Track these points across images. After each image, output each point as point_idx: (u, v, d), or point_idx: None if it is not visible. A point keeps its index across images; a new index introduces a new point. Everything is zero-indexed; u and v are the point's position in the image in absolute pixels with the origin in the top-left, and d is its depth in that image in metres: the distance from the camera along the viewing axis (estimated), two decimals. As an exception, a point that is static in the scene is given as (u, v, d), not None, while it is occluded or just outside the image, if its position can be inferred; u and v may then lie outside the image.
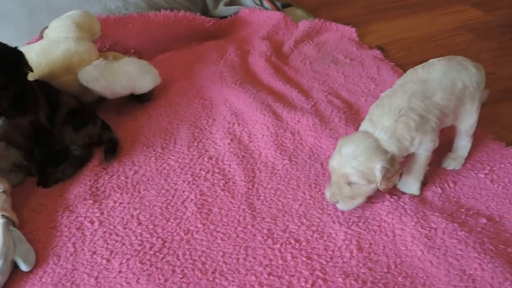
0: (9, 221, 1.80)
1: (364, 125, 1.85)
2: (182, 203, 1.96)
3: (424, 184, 1.94)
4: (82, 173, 2.13)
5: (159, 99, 2.62)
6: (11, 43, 2.01)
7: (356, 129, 1.89)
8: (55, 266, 1.73)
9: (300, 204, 1.91)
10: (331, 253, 1.70)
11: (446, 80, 1.87)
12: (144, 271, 1.68)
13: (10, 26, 2.92)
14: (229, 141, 2.25)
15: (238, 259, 1.71)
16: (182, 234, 1.82)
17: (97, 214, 1.92)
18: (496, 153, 2.06)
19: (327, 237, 1.77)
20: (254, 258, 1.71)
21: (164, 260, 1.72)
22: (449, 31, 3.22)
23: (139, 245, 1.79)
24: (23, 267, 1.70)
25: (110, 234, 1.84)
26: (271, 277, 1.63)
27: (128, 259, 1.73)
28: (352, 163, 1.72)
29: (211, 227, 1.84)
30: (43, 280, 1.68)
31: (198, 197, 1.98)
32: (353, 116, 2.35)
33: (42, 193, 2.05)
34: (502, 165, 2.01)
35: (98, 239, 1.82)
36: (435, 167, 2.01)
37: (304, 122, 2.30)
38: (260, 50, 3.03)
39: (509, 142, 2.14)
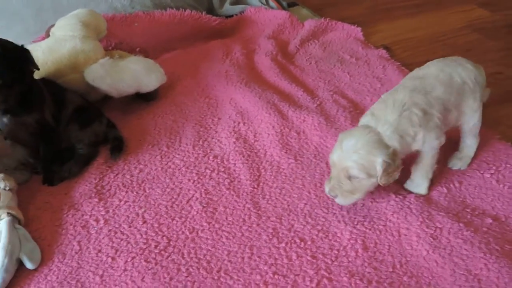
0: (14, 219, 1.81)
1: (365, 120, 1.84)
2: (187, 201, 1.96)
3: (429, 184, 1.93)
4: (87, 171, 2.14)
5: (164, 98, 2.62)
6: (18, 41, 2.02)
7: (361, 128, 1.89)
8: (60, 264, 1.73)
9: (305, 203, 1.90)
10: (336, 252, 1.70)
11: (443, 74, 1.89)
12: (149, 269, 1.69)
13: (17, 25, 2.93)
14: (234, 140, 2.25)
15: (243, 258, 1.71)
16: (187, 233, 1.82)
17: (103, 213, 1.92)
18: (502, 153, 2.05)
19: (332, 236, 1.76)
20: (259, 257, 1.71)
21: (169, 258, 1.72)
22: (456, 31, 3.21)
23: (144, 243, 1.79)
24: (29, 265, 1.70)
25: (115, 233, 1.84)
26: (276, 276, 1.63)
27: (133, 258, 1.73)
28: (352, 157, 1.71)
29: (216, 226, 1.84)
30: (48, 278, 1.68)
31: (203, 196, 1.98)
32: (359, 116, 2.31)
33: (47, 191, 2.05)
34: (508, 165, 2.00)
35: (103, 237, 1.82)
36: (441, 167, 2.00)
37: (309, 121, 2.30)
38: (265, 49, 3.03)
39: (515, 142, 2.13)
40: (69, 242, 1.81)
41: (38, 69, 2.06)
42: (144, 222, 1.88)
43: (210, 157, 2.17)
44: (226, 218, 1.87)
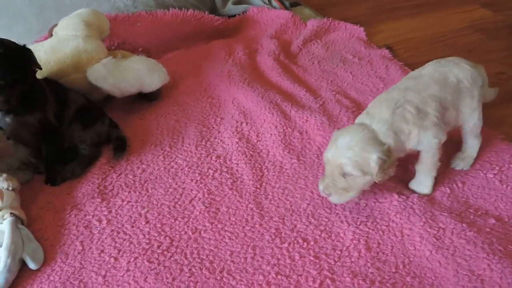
0: (17, 219, 1.80)
1: (360, 118, 1.85)
2: (190, 202, 1.96)
3: (434, 183, 1.93)
4: (90, 171, 2.14)
5: (167, 98, 2.62)
6: (20, 41, 2.02)
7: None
8: (63, 264, 1.73)
9: (308, 204, 1.90)
10: (339, 252, 1.70)
11: (438, 74, 1.89)
12: (151, 269, 1.68)
13: (19, 24, 2.93)
14: (237, 140, 2.25)
15: (246, 258, 1.71)
16: (190, 233, 1.82)
17: (105, 213, 1.92)
18: (505, 153, 2.05)
19: (335, 236, 1.76)
20: (262, 257, 1.70)
21: (172, 259, 1.72)
22: (458, 31, 3.21)
23: (147, 243, 1.79)
24: (31, 265, 1.70)
25: (118, 233, 1.84)
26: (279, 277, 1.63)
27: (136, 258, 1.73)
28: (347, 154, 1.72)
29: (219, 226, 1.84)
30: (51, 278, 1.68)
31: (206, 196, 1.98)
32: (362, 116, 2.34)
33: (50, 191, 2.05)
34: (511, 165, 2.00)
35: (106, 238, 1.82)
36: (444, 167, 2.00)
37: (312, 121, 2.30)
38: (268, 49, 3.02)
39: (518, 142, 2.13)
40: (72, 242, 1.81)
41: (41, 69, 2.06)
42: (147, 222, 1.88)
43: (213, 157, 2.17)
44: (229, 218, 1.87)
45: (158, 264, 1.70)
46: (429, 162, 1.86)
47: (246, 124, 2.36)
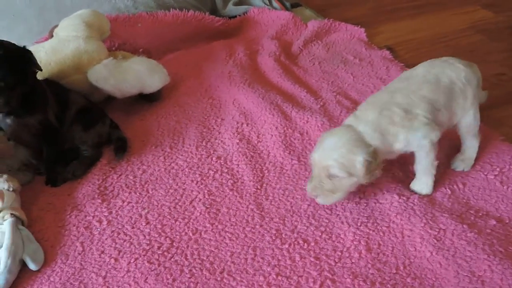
0: (18, 220, 1.81)
1: (348, 120, 1.85)
2: (191, 202, 1.96)
3: (433, 181, 1.93)
4: (90, 172, 2.14)
5: (167, 99, 2.62)
6: (21, 42, 2.02)
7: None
8: (64, 265, 1.73)
9: (309, 205, 1.90)
10: (339, 253, 1.70)
11: (430, 75, 1.88)
12: (152, 270, 1.68)
13: (20, 25, 2.93)
14: (237, 141, 2.25)
15: (246, 259, 1.71)
16: (190, 234, 1.82)
17: (106, 213, 1.92)
18: (506, 155, 2.05)
19: (336, 237, 1.76)
20: (262, 258, 1.70)
21: (172, 259, 1.72)
22: (459, 32, 3.21)
23: (147, 244, 1.79)
24: (32, 266, 1.70)
25: (118, 234, 1.84)
26: (280, 278, 1.63)
27: (136, 259, 1.73)
28: (333, 155, 1.72)
29: (220, 227, 1.84)
30: (51, 279, 1.68)
31: (207, 197, 1.98)
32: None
33: (50, 192, 2.05)
34: (512, 167, 2.00)
35: (106, 239, 1.82)
36: (445, 168, 2.01)
37: (313, 122, 2.30)
38: (269, 50, 3.02)
39: (519, 143, 2.13)
40: (72, 243, 1.81)
41: (41, 70, 2.06)
42: (147, 223, 1.88)
43: (214, 158, 2.17)
44: (229, 219, 1.87)
45: (159, 265, 1.70)
46: (424, 162, 1.86)
47: (247, 125, 2.36)
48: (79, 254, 1.77)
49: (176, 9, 3.08)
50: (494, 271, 1.57)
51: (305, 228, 1.80)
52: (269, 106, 2.43)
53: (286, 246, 1.74)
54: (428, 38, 3.16)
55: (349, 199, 1.89)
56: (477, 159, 2.02)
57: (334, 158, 1.71)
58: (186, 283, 1.64)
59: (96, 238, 1.83)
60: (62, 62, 2.35)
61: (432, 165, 1.87)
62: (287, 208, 1.90)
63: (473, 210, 1.82)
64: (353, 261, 1.67)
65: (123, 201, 1.98)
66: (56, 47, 2.38)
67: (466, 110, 1.92)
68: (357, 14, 3.56)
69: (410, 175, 1.96)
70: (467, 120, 1.94)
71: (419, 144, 1.80)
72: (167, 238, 1.80)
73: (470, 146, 2.00)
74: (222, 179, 2.06)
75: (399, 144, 1.79)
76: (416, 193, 1.89)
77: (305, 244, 1.74)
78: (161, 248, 1.77)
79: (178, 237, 1.81)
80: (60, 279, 1.68)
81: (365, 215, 1.83)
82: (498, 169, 1.98)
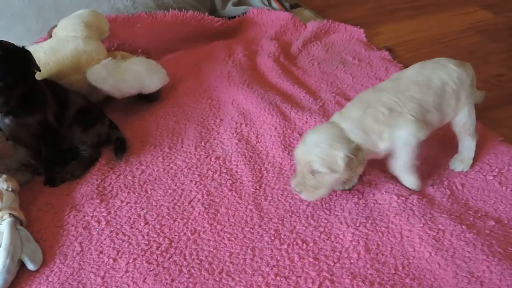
0: (16, 220, 1.80)
1: (333, 117, 1.86)
2: (189, 203, 1.96)
3: (432, 185, 1.93)
4: (89, 172, 2.14)
5: (166, 99, 2.62)
6: (19, 41, 2.01)
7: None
8: (62, 265, 1.73)
9: (308, 205, 1.90)
10: (338, 254, 1.70)
11: (420, 76, 1.87)
12: (151, 270, 1.68)
13: (19, 25, 2.93)
14: (236, 141, 2.25)
15: (245, 259, 1.71)
16: (189, 234, 1.82)
17: (104, 214, 1.92)
18: (505, 155, 2.05)
19: (335, 238, 1.76)
20: (261, 258, 1.70)
21: (171, 260, 1.72)
22: (458, 33, 3.20)
23: (146, 244, 1.78)
24: (30, 266, 1.70)
25: (117, 234, 1.83)
26: (278, 278, 1.63)
27: (135, 259, 1.73)
28: (315, 151, 1.72)
29: (218, 227, 1.84)
30: (50, 279, 1.68)
31: (205, 197, 1.98)
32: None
33: (49, 192, 2.05)
34: (511, 167, 1.99)
35: (105, 239, 1.82)
36: (443, 169, 2.01)
37: (312, 122, 2.30)
38: (268, 50, 3.02)
39: (518, 144, 2.13)
40: (71, 243, 1.81)
41: (40, 71, 2.06)
42: (146, 223, 1.87)
43: (212, 158, 2.17)
44: (228, 220, 1.87)
45: (157, 265, 1.70)
46: (404, 160, 1.84)
47: (246, 125, 2.35)
48: (78, 254, 1.77)
49: (175, 9, 3.08)
50: (493, 272, 1.57)
51: (304, 228, 1.80)
52: (268, 106, 2.43)
53: (285, 246, 1.74)
54: (428, 39, 3.16)
55: (347, 199, 1.90)
56: (476, 159, 2.02)
57: (316, 154, 1.72)
58: (185, 283, 1.64)
59: (95, 238, 1.83)
60: (61, 62, 2.34)
61: (411, 163, 1.85)
62: (286, 209, 1.89)
63: (472, 211, 1.82)
64: (352, 261, 1.67)
65: (122, 201, 1.98)
66: (55, 47, 2.37)
67: (459, 110, 1.91)
68: (356, 15, 3.56)
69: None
70: (462, 119, 1.93)
71: (405, 141, 1.79)
72: (166, 238, 1.80)
73: (468, 146, 2.00)
74: (221, 180, 2.06)
75: (384, 144, 1.79)
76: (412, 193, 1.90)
77: (304, 244, 1.74)
78: (160, 248, 1.76)
79: (177, 237, 1.81)
80: (59, 279, 1.68)
81: (364, 215, 1.83)
82: (497, 170, 1.98)
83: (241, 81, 2.68)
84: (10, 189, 1.89)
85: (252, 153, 2.19)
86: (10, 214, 1.79)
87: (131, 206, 1.95)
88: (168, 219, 1.89)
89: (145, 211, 1.93)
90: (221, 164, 2.14)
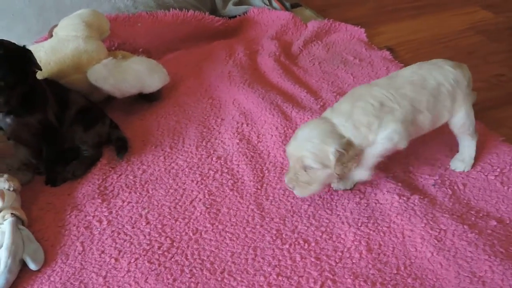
0: (18, 220, 1.80)
1: (325, 113, 1.85)
2: (191, 202, 1.95)
3: (433, 185, 1.93)
4: (90, 172, 2.13)
5: (167, 99, 2.62)
6: (20, 41, 2.01)
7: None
8: (64, 265, 1.73)
9: (309, 205, 1.90)
10: (340, 254, 1.70)
11: (416, 76, 1.86)
12: (152, 270, 1.68)
13: (19, 24, 2.93)
14: (237, 141, 2.25)
15: (247, 259, 1.70)
16: (191, 234, 1.82)
17: (106, 213, 1.92)
18: (506, 155, 2.05)
19: (336, 238, 1.76)
20: (263, 258, 1.70)
21: (173, 259, 1.72)
22: (459, 33, 3.20)
23: (148, 244, 1.78)
24: (32, 266, 1.70)
25: (119, 233, 1.83)
26: (280, 278, 1.63)
27: (136, 259, 1.73)
28: (306, 146, 1.72)
29: (220, 227, 1.84)
30: (52, 279, 1.68)
31: (207, 197, 1.97)
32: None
33: (50, 192, 2.05)
34: (513, 167, 2.00)
35: (106, 238, 1.82)
36: (445, 169, 2.01)
37: (313, 122, 2.30)
38: (269, 50, 3.02)
39: (519, 144, 2.12)
40: (72, 243, 1.81)
41: (41, 70, 2.06)
42: (148, 223, 1.87)
43: (214, 158, 2.17)
44: (230, 219, 1.87)
45: (159, 265, 1.70)
46: (371, 153, 1.81)
47: (247, 125, 2.35)
48: (79, 254, 1.77)
49: (176, 9, 3.08)
50: (495, 272, 1.57)
51: (306, 228, 1.80)
52: (269, 106, 2.43)
53: (287, 246, 1.74)
54: (428, 39, 3.16)
55: (349, 199, 1.90)
56: (477, 159, 2.02)
57: (308, 149, 1.72)
58: (187, 283, 1.63)
59: (96, 238, 1.83)
60: (62, 62, 2.34)
61: (377, 161, 1.84)
62: (287, 208, 1.89)
63: (473, 211, 1.82)
64: (353, 261, 1.67)
65: (123, 201, 1.98)
66: (56, 47, 2.37)
67: (455, 111, 1.90)
68: (357, 15, 3.56)
69: (411, 175, 1.96)
70: (460, 120, 1.92)
71: (388, 135, 1.77)
72: (168, 238, 1.80)
73: (467, 145, 2.00)
74: (222, 179, 2.06)
75: (374, 135, 1.77)
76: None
77: (306, 244, 1.74)
78: (162, 248, 1.76)
79: (178, 237, 1.81)
80: (61, 279, 1.68)
81: (366, 215, 1.83)
82: (498, 169, 1.98)
83: (242, 81, 2.68)
84: (11, 188, 1.88)
85: (253, 152, 2.18)
86: (11, 213, 1.79)
87: (133, 206, 1.95)
88: (169, 219, 1.88)
89: (146, 210, 1.93)
90: (222, 164, 2.14)
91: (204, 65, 2.92)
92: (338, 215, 1.84)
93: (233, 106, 2.51)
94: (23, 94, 1.96)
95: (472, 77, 1.94)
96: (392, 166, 1.99)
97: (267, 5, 3.53)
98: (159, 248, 1.76)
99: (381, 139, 1.77)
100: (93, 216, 1.91)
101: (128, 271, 1.69)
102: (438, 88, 1.85)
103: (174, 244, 1.78)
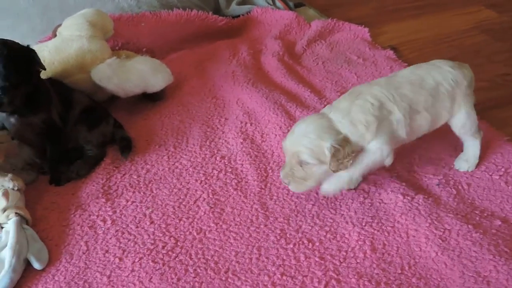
0: (22, 219, 1.81)
1: (323, 109, 1.85)
2: (195, 202, 1.95)
3: (438, 185, 1.93)
4: (94, 171, 2.13)
5: (171, 98, 2.62)
6: (24, 41, 2.01)
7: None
8: (68, 264, 1.73)
9: (313, 204, 1.90)
10: (344, 253, 1.70)
11: (414, 76, 1.86)
12: (156, 270, 1.68)
13: (23, 24, 2.93)
14: (241, 140, 2.25)
15: (251, 258, 1.70)
16: (195, 233, 1.82)
17: (110, 213, 1.92)
18: (511, 155, 2.04)
19: (340, 237, 1.76)
20: (267, 258, 1.70)
21: (177, 259, 1.72)
22: (463, 32, 3.20)
23: (152, 244, 1.78)
24: (36, 265, 1.70)
25: (123, 233, 1.83)
26: (284, 277, 1.63)
27: (140, 258, 1.73)
28: (303, 141, 1.72)
29: (224, 226, 1.84)
30: (56, 278, 1.68)
31: (211, 196, 1.97)
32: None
33: (54, 192, 2.05)
34: (517, 167, 1.99)
35: (110, 238, 1.82)
36: (449, 168, 2.01)
37: (316, 122, 2.29)
38: (272, 49, 3.02)
39: (524, 144, 2.12)
40: (77, 242, 1.81)
41: (45, 69, 2.06)
42: (152, 222, 1.87)
43: (217, 158, 2.17)
44: (234, 219, 1.86)
45: (163, 265, 1.70)
46: (361, 162, 1.79)
47: (251, 125, 2.35)
48: (84, 253, 1.77)
49: (179, 8, 3.08)
50: (500, 272, 1.57)
51: (310, 228, 1.80)
52: (273, 105, 2.42)
53: (291, 246, 1.74)
54: (432, 38, 3.15)
55: (353, 199, 1.89)
56: (482, 159, 2.02)
57: (304, 144, 1.71)
58: (191, 283, 1.63)
59: (101, 237, 1.83)
60: (66, 61, 2.34)
61: (365, 168, 1.81)
62: (291, 208, 1.89)
63: (478, 211, 1.81)
64: (358, 261, 1.67)
65: (127, 201, 1.98)
66: (60, 46, 2.37)
67: (455, 111, 1.90)
68: (361, 14, 3.56)
69: (415, 175, 1.96)
70: (460, 121, 1.92)
71: (380, 145, 1.77)
72: (172, 238, 1.80)
73: (471, 145, 1.99)
74: (226, 179, 2.06)
75: (371, 136, 1.76)
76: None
77: (310, 244, 1.74)
78: (166, 248, 1.76)
79: (182, 236, 1.81)
80: (65, 278, 1.68)
81: (370, 215, 1.83)
82: (503, 169, 1.98)
83: (246, 80, 2.68)
84: (16, 188, 1.89)
85: (257, 152, 2.18)
86: (16, 213, 1.79)
87: (137, 205, 1.95)
88: (173, 218, 1.88)
89: (150, 210, 1.93)
90: (226, 163, 2.14)
91: (208, 64, 2.92)
92: (342, 214, 1.84)
93: (237, 105, 2.51)
94: (27, 94, 1.96)
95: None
96: (396, 165, 1.99)
97: (270, 4, 3.53)
98: (163, 247, 1.77)
99: (374, 148, 1.77)
100: (97, 216, 1.91)
101: (132, 270, 1.69)
102: (437, 88, 1.84)
103: (178, 243, 1.78)
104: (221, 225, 1.84)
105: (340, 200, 1.89)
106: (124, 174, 2.11)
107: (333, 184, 1.82)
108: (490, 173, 1.97)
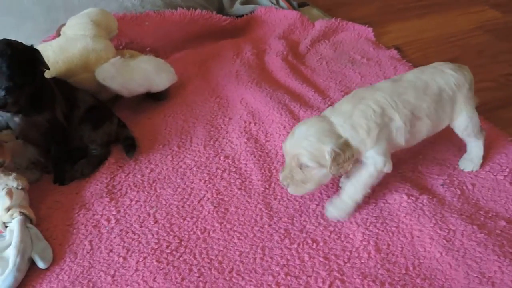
0: (26, 218, 1.81)
1: (324, 111, 1.83)
2: (199, 202, 1.95)
3: (442, 185, 1.93)
4: (98, 171, 2.13)
5: (175, 98, 2.62)
6: (28, 40, 2.01)
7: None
8: (72, 263, 1.73)
9: (317, 204, 1.90)
10: (348, 253, 1.70)
11: (419, 82, 1.84)
12: (160, 269, 1.68)
13: (27, 23, 2.93)
14: (245, 140, 2.25)
15: (255, 258, 1.70)
16: (199, 233, 1.82)
17: (114, 212, 1.92)
18: (516, 155, 2.04)
19: (345, 237, 1.76)
20: (271, 258, 1.70)
21: (181, 259, 1.72)
22: (467, 32, 3.20)
23: (156, 243, 1.78)
24: (40, 264, 1.70)
25: (127, 232, 1.83)
26: (288, 277, 1.63)
27: (144, 258, 1.73)
28: (303, 144, 1.70)
29: (228, 226, 1.84)
30: (60, 277, 1.68)
31: (215, 196, 1.97)
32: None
33: (58, 191, 2.05)
34: (521, 168, 1.99)
35: (114, 237, 1.82)
36: (453, 169, 2.01)
37: (320, 122, 2.29)
38: (276, 49, 3.02)
39: (529, 144, 2.11)
40: (81, 241, 1.81)
41: (49, 69, 2.06)
42: (156, 222, 1.87)
43: (221, 157, 2.17)
44: (238, 219, 1.86)
45: (167, 264, 1.70)
46: (361, 179, 1.79)
47: (255, 124, 2.35)
48: (88, 252, 1.77)
49: (183, 8, 3.07)
50: (505, 272, 1.57)
51: (314, 228, 1.80)
52: (276, 105, 2.42)
53: (295, 245, 1.74)
54: (437, 38, 3.15)
55: (358, 199, 1.89)
56: (486, 159, 2.01)
57: (304, 147, 1.70)
58: (195, 282, 1.63)
59: (105, 236, 1.83)
60: (70, 61, 2.34)
61: (365, 189, 1.81)
62: (295, 208, 1.89)
63: (482, 211, 1.81)
64: (362, 261, 1.67)
65: (131, 200, 1.98)
66: (64, 46, 2.37)
67: (456, 115, 1.89)
68: (365, 14, 3.55)
69: (419, 175, 1.96)
70: (462, 123, 1.91)
71: (376, 158, 1.76)
72: (176, 237, 1.80)
73: (474, 146, 1.99)
74: (230, 179, 2.05)
75: (371, 142, 1.74)
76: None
77: (314, 244, 1.74)
78: (170, 247, 1.76)
79: (186, 236, 1.81)
80: (69, 277, 1.68)
81: (374, 215, 1.83)
82: (507, 169, 1.98)
83: (250, 80, 2.68)
84: (20, 187, 1.89)
85: (261, 152, 2.18)
86: (20, 212, 1.79)
87: (141, 205, 1.95)
88: (177, 218, 1.88)
89: (154, 209, 1.93)
90: (230, 163, 2.14)
91: (212, 64, 2.92)
92: (347, 214, 1.84)
93: (240, 105, 2.51)
94: (32, 94, 1.96)
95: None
96: (401, 165, 1.99)
97: (274, 4, 3.52)
98: (167, 247, 1.77)
99: (371, 161, 1.77)
100: (101, 215, 1.91)
101: (137, 270, 1.69)
102: (440, 93, 1.83)
103: (182, 243, 1.78)
104: (225, 224, 1.84)
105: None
106: (128, 174, 2.11)
107: (340, 210, 1.82)
108: (495, 174, 1.97)
